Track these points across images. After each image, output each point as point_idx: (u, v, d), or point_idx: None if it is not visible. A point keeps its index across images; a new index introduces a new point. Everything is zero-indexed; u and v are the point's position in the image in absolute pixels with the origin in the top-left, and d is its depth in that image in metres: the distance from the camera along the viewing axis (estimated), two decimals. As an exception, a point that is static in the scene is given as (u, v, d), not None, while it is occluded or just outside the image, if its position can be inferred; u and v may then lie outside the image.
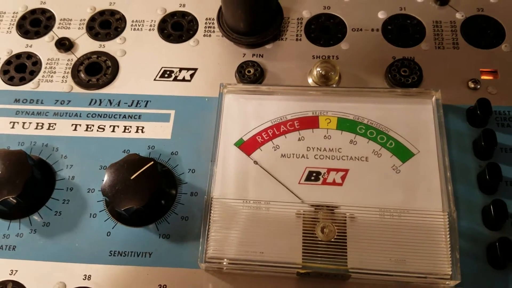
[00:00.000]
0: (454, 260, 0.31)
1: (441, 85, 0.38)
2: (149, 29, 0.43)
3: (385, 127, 0.36)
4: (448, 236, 0.31)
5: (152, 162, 0.33)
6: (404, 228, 0.32)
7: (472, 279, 0.32)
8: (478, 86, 0.38)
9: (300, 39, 0.42)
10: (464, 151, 0.36)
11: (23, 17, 0.44)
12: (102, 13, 0.43)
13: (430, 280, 0.31)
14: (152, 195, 0.32)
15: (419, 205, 0.33)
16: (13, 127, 0.38)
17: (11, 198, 0.33)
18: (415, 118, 0.36)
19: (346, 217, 0.33)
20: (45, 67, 0.41)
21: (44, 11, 0.44)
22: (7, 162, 0.34)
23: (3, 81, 0.40)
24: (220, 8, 0.41)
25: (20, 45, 0.42)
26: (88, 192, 0.35)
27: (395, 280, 0.31)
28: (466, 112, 0.37)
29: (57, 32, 0.43)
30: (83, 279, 0.33)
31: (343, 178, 0.34)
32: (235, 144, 0.36)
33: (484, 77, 0.39)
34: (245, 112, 0.37)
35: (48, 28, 0.43)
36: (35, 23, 0.43)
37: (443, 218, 0.32)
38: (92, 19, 0.43)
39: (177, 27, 0.43)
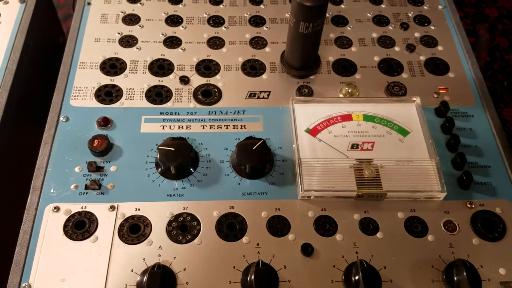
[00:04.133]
0: (441, 183, 0.55)
1: (418, 95, 0.64)
2: (235, 70, 0.67)
3: (390, 118, 0.61)
4: (436, 170, 0.56)
5: (263, 140, 0.56)
6: (411, 169, 0.56)
7: (452, 195, 0.56)
8: (438, 96, 0.66)
9: (330, 73, 0.68)
10: (435, 130, 0.62)
11: (151, 63, 0.67)
12: (203, 61, 0.68)
13: (430, 194, 0.55)
14: (266, 156, 0.55)
15: (417, 157, 0.58)
16: (163, 129, 0.60)
17: (183, 163, 0.54)
18: (406, 113, 0.62)
19: (378, 165, 0.57)
20: (175, 93, 0.64)
21: (165, 60, 0.67)
22: (176, 143, 0.56)
23: (149, 101, 0.63)
24: (282, 54, 0.67)
25: (154, 80, 0.65)
26: (220, 162, 0.58)
27: (410, 197, 0.55)
28: (434, 110, 0.64)
29: (177, 73, 0.66)
30: (229, 208, 0.54)
31: (372, 146, 0.59)
32: (305, 131, 0.60)
33: (441, 91, 0.66)
34: (307, 113, 0.61)
35: (170, 70, 0.66)
36: (161, 67, 0.67)
37: (431, 162, 0.57)
38: (198, 64, 0.67)
39: (252, 68, 0.67)
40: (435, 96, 0.65)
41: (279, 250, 0.52)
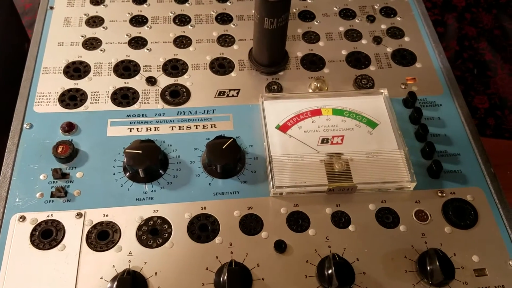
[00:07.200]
0: (411, 173, 0.56)
1: (385, 87, 0.64)
2: (203, 68, 0.66)
3: (359, 111, 0.61)
4: (405, 161, 0.56)
5: (233, 138, 0.56)
6: (381, 160, 0.57)
7: (422, 184, 0.56)
8: (406, 87, 0.66)
9: (299, 68, 0.67)
10: (404, 121, 0.62)
11: (116, 65, 0.66)
12: (170, 60, 0.67)
13: (400, 185, 0.55)
14: (236, 155, 0.55)
15: (386, 149, 0.58)
16: (130, 132, 0.59)
17: (151, 166, 0.53)
18: (374, 105, 0.62)
19: (347, 158, 0.57)
20: (142, 95, 0.63)
21: (130, 61, 0.66)
22: (144, 146, 0.55)
23: (114, 104, 0.62)
24: (250, 51, 0.66)
25: (119, 82, 0.64)
26: (191, 163, 0.57)
27: (380, 188, 0.55)
28: (402, 101, 0.64)
29: (143, 74, 0.65)
30: (201, 209, 0.53)
31: (342, 140, 0.59)
32: (275, 127, 0.59)
33: (408, 82, 0.67)
34: (277, 109, 0.61)
35: (136, 71, 0.65)
36: (126, 69, 0.65)
37: (400, 153, 0.57)
38: (165, 64, 0.66)
39: (221, 66, 0.67)
40: (403, 87, 0.66)
41: (252, 249, 0.51)
